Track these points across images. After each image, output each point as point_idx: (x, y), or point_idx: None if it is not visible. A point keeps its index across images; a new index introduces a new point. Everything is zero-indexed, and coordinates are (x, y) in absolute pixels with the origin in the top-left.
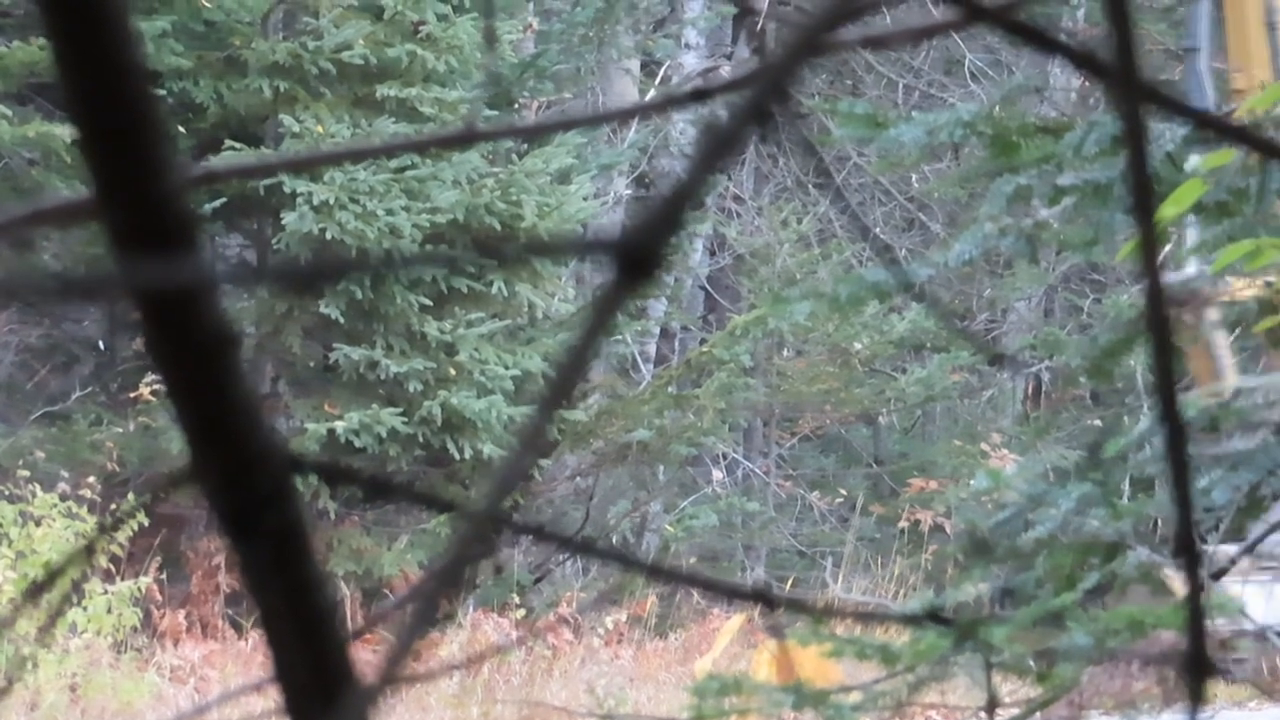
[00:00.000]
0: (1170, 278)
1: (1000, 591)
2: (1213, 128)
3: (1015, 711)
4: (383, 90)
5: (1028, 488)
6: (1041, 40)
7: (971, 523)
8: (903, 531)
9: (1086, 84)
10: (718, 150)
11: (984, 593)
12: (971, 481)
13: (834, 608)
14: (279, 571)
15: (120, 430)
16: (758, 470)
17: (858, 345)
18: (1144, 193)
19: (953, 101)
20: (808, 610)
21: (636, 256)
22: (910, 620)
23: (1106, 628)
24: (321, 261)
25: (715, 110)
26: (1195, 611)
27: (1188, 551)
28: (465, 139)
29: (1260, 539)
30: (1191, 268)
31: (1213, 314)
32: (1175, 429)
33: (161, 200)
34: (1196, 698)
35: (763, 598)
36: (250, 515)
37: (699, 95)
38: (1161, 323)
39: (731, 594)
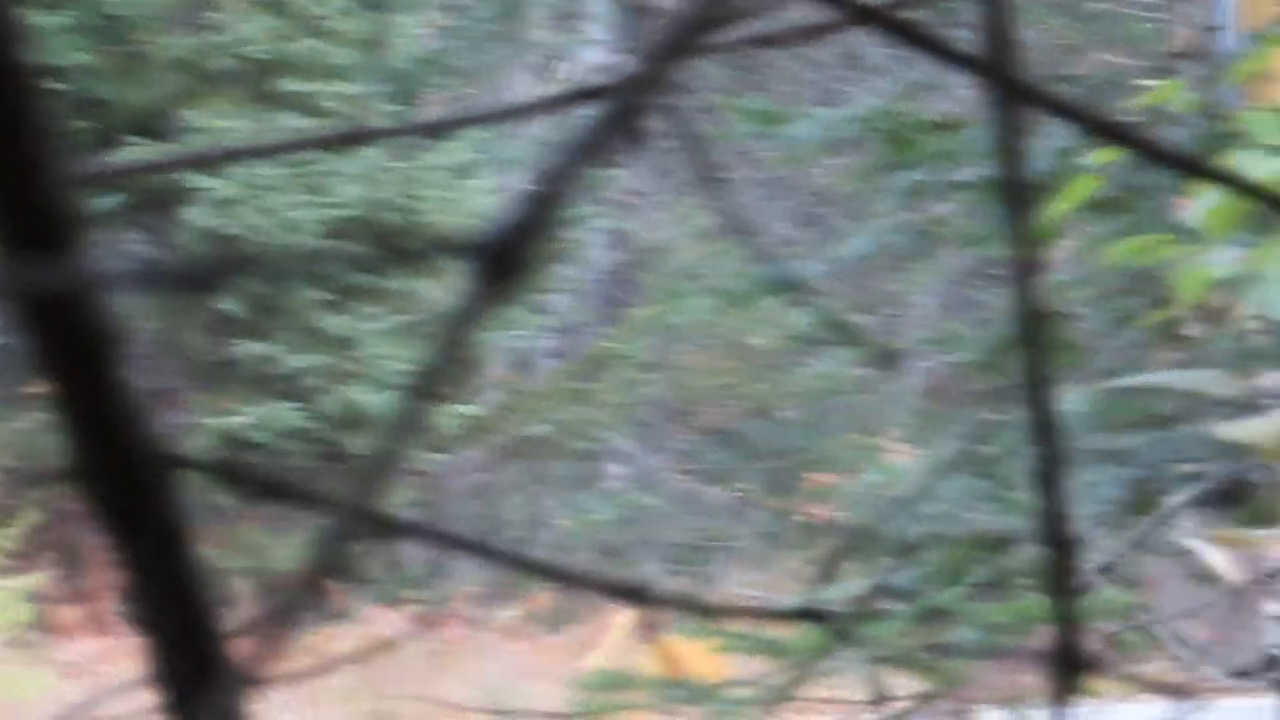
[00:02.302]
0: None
1: (880, 586)
2: (1093, 127)
3: (903, 706)
4: (284, 85)
5: (919, 481)
6: (921, 40)
7: (860, 516)
8: (800, 526)
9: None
10: (585, 152)
11: (868, 587)
12: (866, 475)
13: (710, 605)
14: (160, 569)
15: (18, 425)
16: (655, 465)
17: (757, 339)
18: (1017, 191)
19: (855, 96)
20: (683, 606)
21: (501, 258)
22: (786, 617)
23: (995, 622)
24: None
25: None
26: (1065, 605)
27: (1058, 545)
28: (367, 135)
29: (1150, 533)
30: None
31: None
32: (1045, 422)
33: (43, 199)
34: (1064, 692)
35: (637, 594)
36: (131, 514)
37: (591, 93)
38: (1033, 318)
39: (606, 590)
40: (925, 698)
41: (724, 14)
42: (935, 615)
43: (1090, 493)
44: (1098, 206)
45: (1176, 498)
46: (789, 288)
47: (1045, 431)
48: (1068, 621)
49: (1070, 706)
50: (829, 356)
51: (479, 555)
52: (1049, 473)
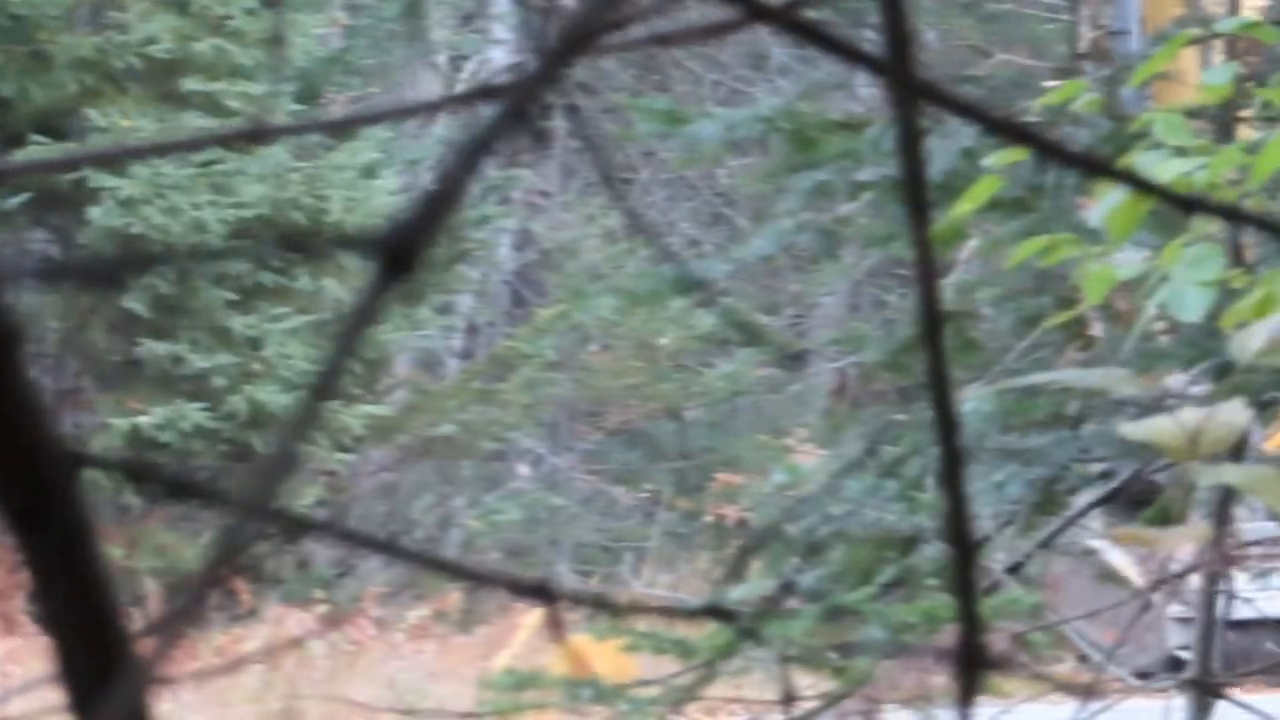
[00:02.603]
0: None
1: (787, 585)
2: (995, 127)
3: (811, 705)
4: (188, 84)
5: (826, 481)
6: (819, 38)
7: (767, 517)
8: (707, 526)
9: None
10: (481, 147)
11: (775, 587)
12: (773, 476)
13: (619, 603)
14: (63, 569)
15: None
16: (563, 465)
17: (664, 339)
18: (918, 192)
19: (759, 96)
20: (591, 604)
21: (399, 253)
22: (693, 615)
23: (902, 621)
24: (127, 256)
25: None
26: (968, 604)
27: (960, 545)
28: (271, 134)
29: (1057, 533)
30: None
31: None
32: (947, 423)
33: None
34: (967, 691)
35: (543, 593)
36: (36, 512)
37: (491, 92)
38: (935, 318)
39: (514, 589)
40: (833, 697)
41: (620, 14)
42: (842, 615)
43: (996, 492)
44: (1001, 207)
45: (1082, 497)
46: (695, 288)
47: (948, 431)
48: (972, 621)
49: (976, 706)
50: (735, 357)
51: (392, 555)
52: (952, 472)
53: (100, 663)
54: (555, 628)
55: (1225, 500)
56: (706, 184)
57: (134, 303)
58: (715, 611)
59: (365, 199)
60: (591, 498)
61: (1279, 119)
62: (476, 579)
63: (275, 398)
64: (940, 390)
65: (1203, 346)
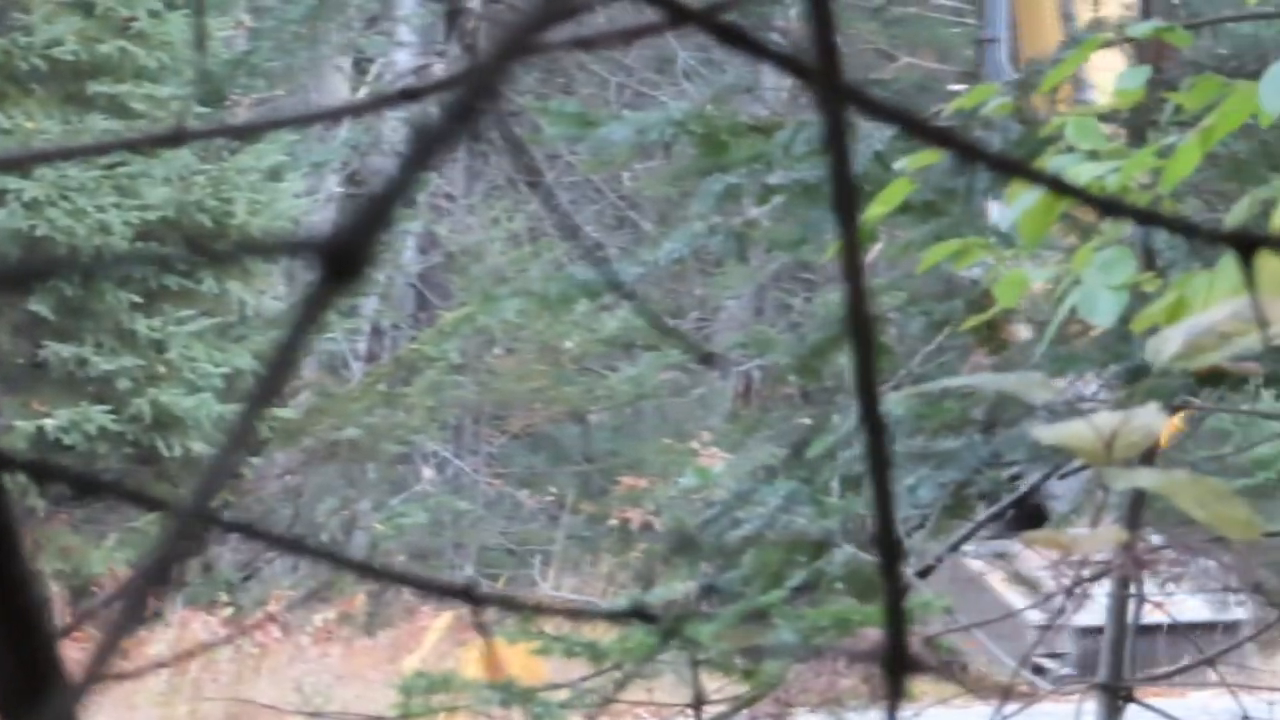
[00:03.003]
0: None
1: (704, 588)
2: (916, 130)
3: (722, 708)
4: (94, 87)
5: (735, 485)
6: (745, 42)
7: (678, 520)
8: (612, 530)
9: (797, 84)
10: (425, 150)
11: (690, 590)
12: (680, 479)
13: (542, 605)
14: None
15: None
16: (467, 468)
17: (568, 343)
18: (846, 194)
19: (665, 100)
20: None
21: (343, 256)
22: (617, 617)
23: (813, 625)
24: (31, 259)
25: (427, 109)
26: (895, 608)
27: (888, 548)
28: (177, 137)
29: (968, 536)
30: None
31: None
32: (875, 426)
33: None
34: (896, 694)
35: (469, 595)
36: None
37: (409, 95)
38: (863, 321)
39: (439, 591)
40: (743, 700)
41: (562, 13)
42: (754, 618)
43: (908, 496)
44: (911, 210)
45: (994, 502)
46: (621, 290)
47: (875, 433)
48: (898, 623)
49: (900, 707)
50: (639, 361)
51: (326, 560)
52: (880, 474)
53: (24, 666)
54: (475, 630)
55: (1136, 505)
56: (611, 187)
57: (38, 305)
58: (639, 613)
59: (270, 202)
60: (496, 501)
61: (1190, 123)
62: (405, 582)
63: (179, 400)
64: (868, 392)
65: (1114, 350)
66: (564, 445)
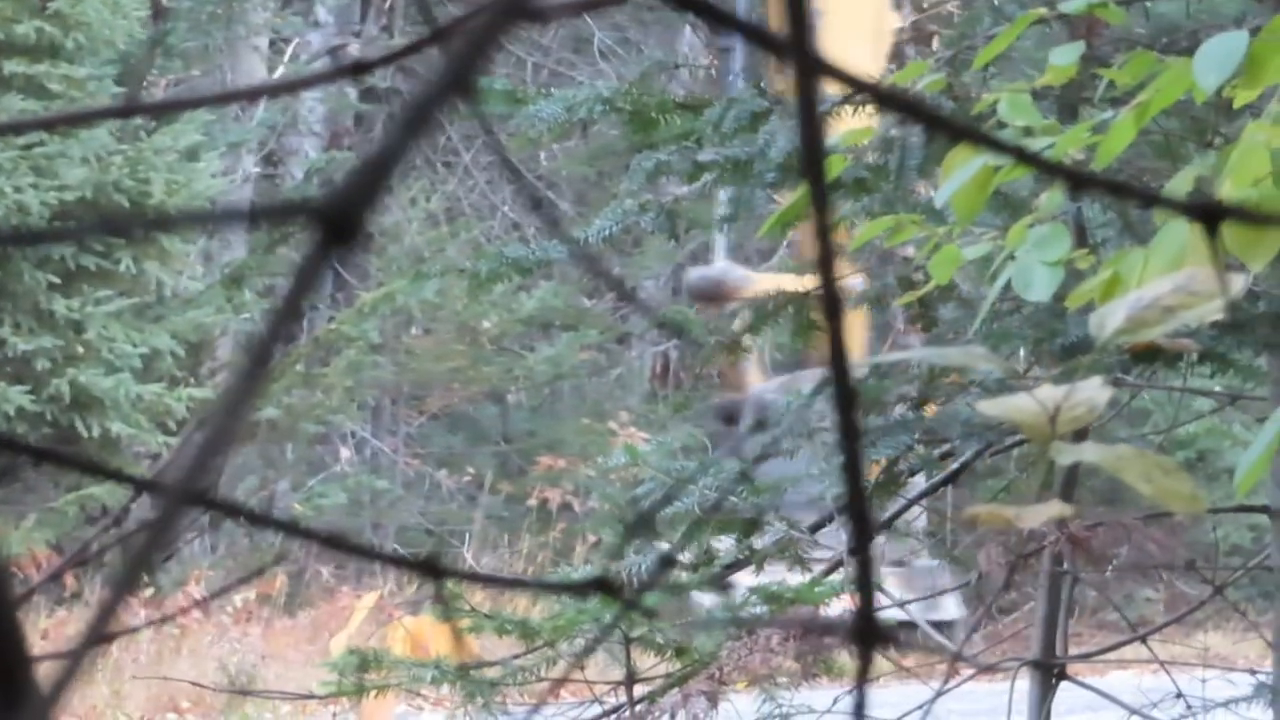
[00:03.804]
0: (697, 274)
1: (663, 560)
2: (888, 102)
3: (655, 686)
4: (10, 67)
5: (662, 464)
6: (714, 15)
7: (613, 498)
8: (531, 509)
9: (716, 62)
10: (420, 116)
11: (635, 565)
12: (602, 458)
13: (495, 578)
14: None
15: None
16: (386, 449)
17: (486, 323)
18: (817, 166)
19: (581, 80)
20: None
21: (339, 221)
22: (579, 589)
23: (744, 601)
24: None
25: (343, 86)
26: (865, 579)
27: (859, 519)
28: (92, 116)
29: (898, 514)
30: (721, 262)
31: (741, 311)
32: (846, 398)
33: None
34: (865, 666)
35: (432, 568)
36: None
37: (360, 68)
38: (833, 292)
39: (398, 564)
40: (676, 678)
41: None
42: (687, 594)
43: (840, 473)
44: (843, 187)
45: (931, 476)
46: (590, 266)
47: (846, 409)
48: (868, 596)
49: (871, 679)
50: (557, 341)
51: (280, 531)
52: (850, 449)
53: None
54: (441, 602)
55: (1070, 481)
56: (528, 167)
57: None
58: (601, 585)
59: (187, 182)
60: (414, 481)
61: (1123, 100)
62: (369, 555)
63: (98, 381)
64: (839, 365)
65: (1048, 327)
66: (482, 425)
